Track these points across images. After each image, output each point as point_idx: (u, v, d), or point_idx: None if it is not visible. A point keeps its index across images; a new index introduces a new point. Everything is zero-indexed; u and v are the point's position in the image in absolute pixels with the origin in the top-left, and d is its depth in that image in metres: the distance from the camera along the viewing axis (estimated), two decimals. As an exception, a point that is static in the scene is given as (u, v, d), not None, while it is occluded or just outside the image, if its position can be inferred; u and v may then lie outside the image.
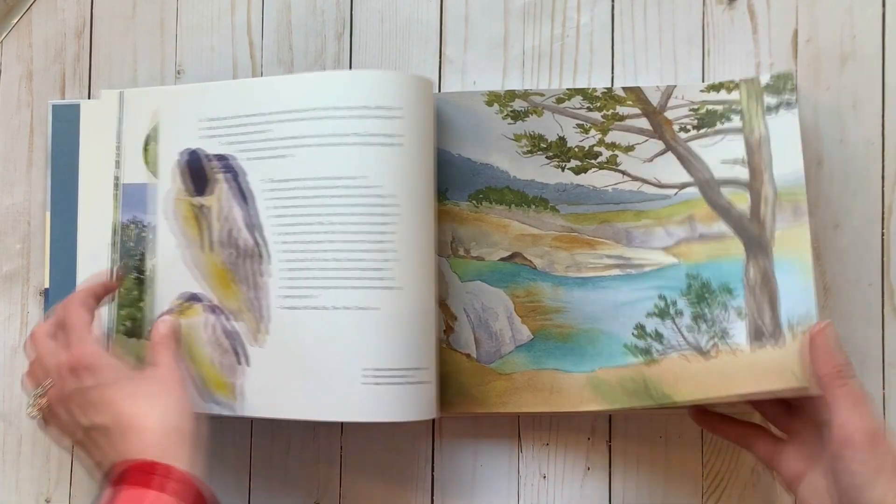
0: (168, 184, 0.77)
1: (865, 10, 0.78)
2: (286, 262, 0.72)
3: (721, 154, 0.74)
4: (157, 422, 0.65)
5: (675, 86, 0.76)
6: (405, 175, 0.71)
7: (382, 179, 0.70)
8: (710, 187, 0.74)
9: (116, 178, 0.79)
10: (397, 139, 0.71)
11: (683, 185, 0.75)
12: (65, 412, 0.67)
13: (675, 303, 0.74)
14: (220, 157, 0.75)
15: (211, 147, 0.75)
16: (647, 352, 0.74)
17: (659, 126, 0.76)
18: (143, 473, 0.61)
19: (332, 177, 0.71)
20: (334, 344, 0.71)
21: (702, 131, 0.75)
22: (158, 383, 0.68)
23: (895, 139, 0.77)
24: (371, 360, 0.70)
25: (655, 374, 0.73)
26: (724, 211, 0.74)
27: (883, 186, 0.77)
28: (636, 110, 0.76)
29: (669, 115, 0.75)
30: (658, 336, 0.74)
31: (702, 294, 0.73)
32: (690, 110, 0.75)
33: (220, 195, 0.75)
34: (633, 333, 0.74)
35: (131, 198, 0.78)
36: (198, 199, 0.75)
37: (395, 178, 0.71)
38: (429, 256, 0.73)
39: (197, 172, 0.76)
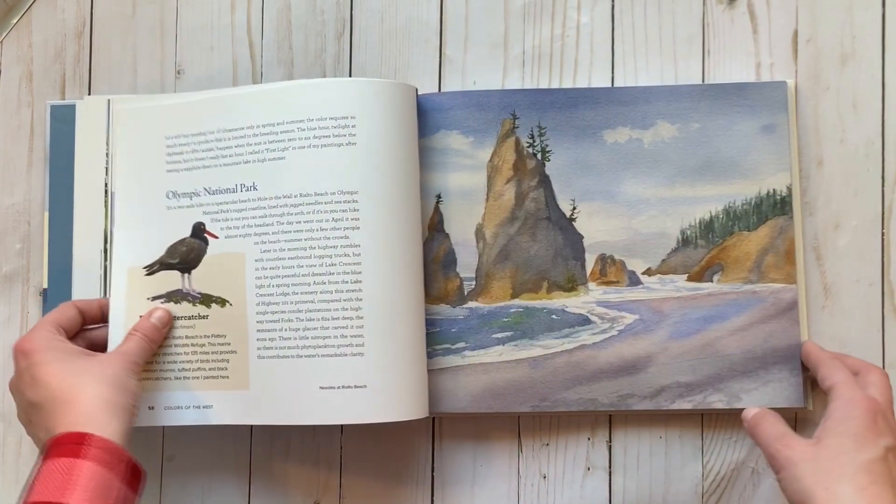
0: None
1: (865, 10, 0.78)
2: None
3: None
4: (90, 395, 0.66)
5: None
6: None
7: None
8: None
9: (106, 186, 0.79)
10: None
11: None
12: (15, 398, 0.70)
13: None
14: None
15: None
16: None
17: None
18: (72, 444, 0.62)
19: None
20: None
21: None
22: (98, 361, 0.69)
23: (895, 139, 0.77)
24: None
25: None
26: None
27: (883, 186, 0.77)
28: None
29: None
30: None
31: None
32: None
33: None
34: None
35: (119, 206, 0.80)
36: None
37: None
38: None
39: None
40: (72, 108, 0.80)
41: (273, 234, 0.73)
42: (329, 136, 0.73)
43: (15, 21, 0.83)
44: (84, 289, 0.79)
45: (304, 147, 0.73)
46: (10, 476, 0.82)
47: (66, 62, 0.83)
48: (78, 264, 0.79)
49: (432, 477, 0.79)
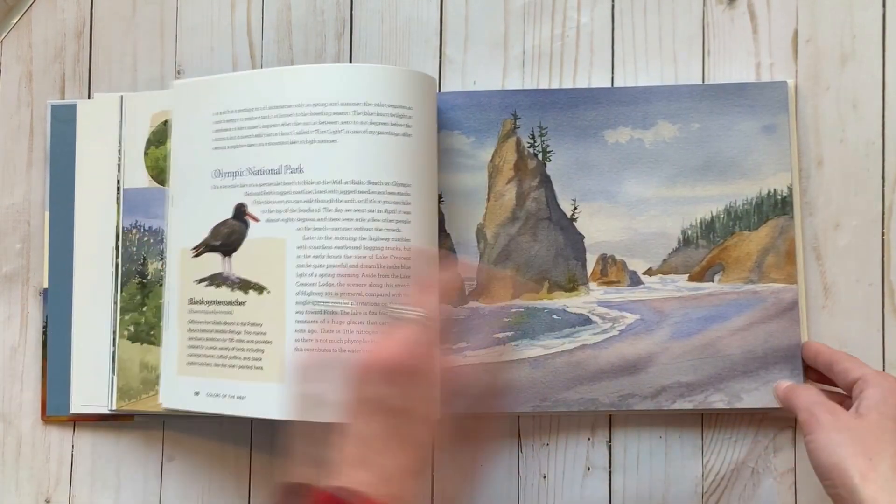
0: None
1: (865, 10, 0.78)
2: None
3: None
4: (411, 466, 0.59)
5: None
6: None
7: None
8: None
9: (118, 183, 0.79)
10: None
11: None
12: (389, 396, 0.59)
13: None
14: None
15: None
16: None
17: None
18: None
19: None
20: None
21: None
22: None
23: (895, 139, 0.77)
24: None
25: None
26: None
27: (883, 186, 0.77)
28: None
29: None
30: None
31: None
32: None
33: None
34: None
35: (132, 202, 0.79)
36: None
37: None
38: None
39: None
40: (72, 107, 0.81)
41: (318, 220, 0.70)
42: (387, 124, 0.71)
43: (15, 21, 0.83)
44: (85, 288, 0.79)
45: (359, 132, 0.71)
46: (10, 476, 0.81)
47: (66, 62, 0.83)
48: (80, 263, 0.80)
49: (432, 477, 0.79)
